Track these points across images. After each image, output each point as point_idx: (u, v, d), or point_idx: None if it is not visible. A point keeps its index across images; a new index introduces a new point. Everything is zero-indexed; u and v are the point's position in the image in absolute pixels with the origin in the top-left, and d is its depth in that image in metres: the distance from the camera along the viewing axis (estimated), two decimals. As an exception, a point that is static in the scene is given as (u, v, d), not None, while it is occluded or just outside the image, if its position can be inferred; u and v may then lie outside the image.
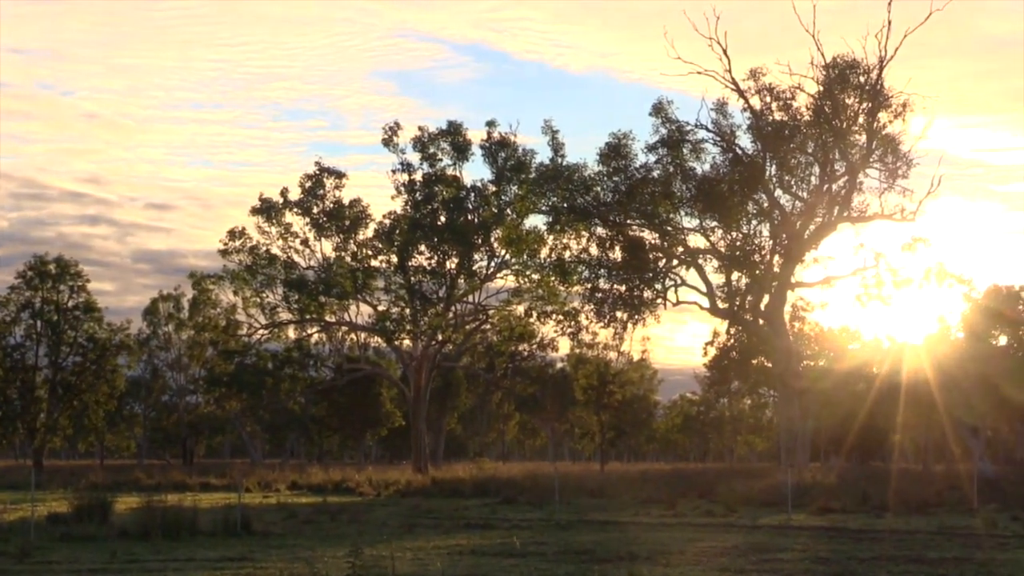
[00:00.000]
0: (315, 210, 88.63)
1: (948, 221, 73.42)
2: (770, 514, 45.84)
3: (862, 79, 66.04)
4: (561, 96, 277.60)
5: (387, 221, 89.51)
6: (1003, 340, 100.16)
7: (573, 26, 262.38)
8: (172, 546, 31.78)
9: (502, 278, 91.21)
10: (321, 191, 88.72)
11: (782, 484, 54.07)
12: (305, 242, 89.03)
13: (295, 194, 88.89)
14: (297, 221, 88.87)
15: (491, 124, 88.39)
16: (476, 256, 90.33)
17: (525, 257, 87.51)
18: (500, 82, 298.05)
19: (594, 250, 70.44)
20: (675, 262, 70.62)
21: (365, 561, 24.80)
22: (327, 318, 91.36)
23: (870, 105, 66.03)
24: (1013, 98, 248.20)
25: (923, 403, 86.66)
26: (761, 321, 70.23)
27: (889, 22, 64.22)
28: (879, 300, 77.69)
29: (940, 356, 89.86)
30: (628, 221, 70.28)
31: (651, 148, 68.98)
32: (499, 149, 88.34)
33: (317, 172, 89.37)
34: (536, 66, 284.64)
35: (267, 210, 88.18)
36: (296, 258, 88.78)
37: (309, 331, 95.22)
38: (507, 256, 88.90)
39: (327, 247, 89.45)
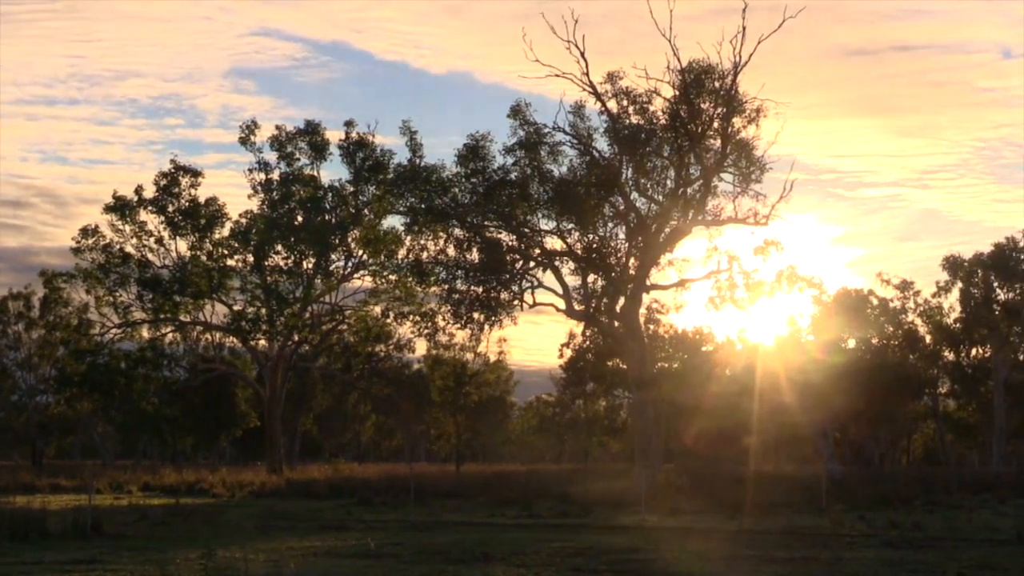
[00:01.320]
0: (170, 208, 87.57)
1: (800, 225, 75.13)
2: (624, 515, 46.23)
3: (717, 84, 66.72)
4: (422, 97, 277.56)
5: (243, 220, 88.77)
6: (852, 343, 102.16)
7: (435, 27, 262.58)
8: (20, 549, 31.20)
9: (359, 279, 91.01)
10: (176, 189, 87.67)
11: (636, 485, 54.56)
12: (160, 241, 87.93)
13: (150, 192, 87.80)
14: (152, 219, 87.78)
15: (349, 124, 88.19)
16: (333, 256, 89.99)
17: (382, 258, 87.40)
18: (361, 82, 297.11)
19: (451, 251, 70.39)
20: (532, 264, 70.82)
21: (218, 563, 24.61)
22: (182, 318, 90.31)
23: (725, 110, 66.75)
24: (864, 105, 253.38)
25: (774, 405, 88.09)
26: (616, 323, 70.70)
27: (743, 28, 65.06)
28: (732, 303, 78.74)
29: (791, 358, 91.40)
30: (486, 223, 70.35)
31: (509, 150, 69.11)
32: (357, 149, 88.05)
33: (172, 170, 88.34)
34: (397, 66, 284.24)
35: (121, 208, 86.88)
36: (151, 257, 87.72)
37: (163, 331, 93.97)
38: (364, 257, 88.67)
39: (182, 246, 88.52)
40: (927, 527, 39.59)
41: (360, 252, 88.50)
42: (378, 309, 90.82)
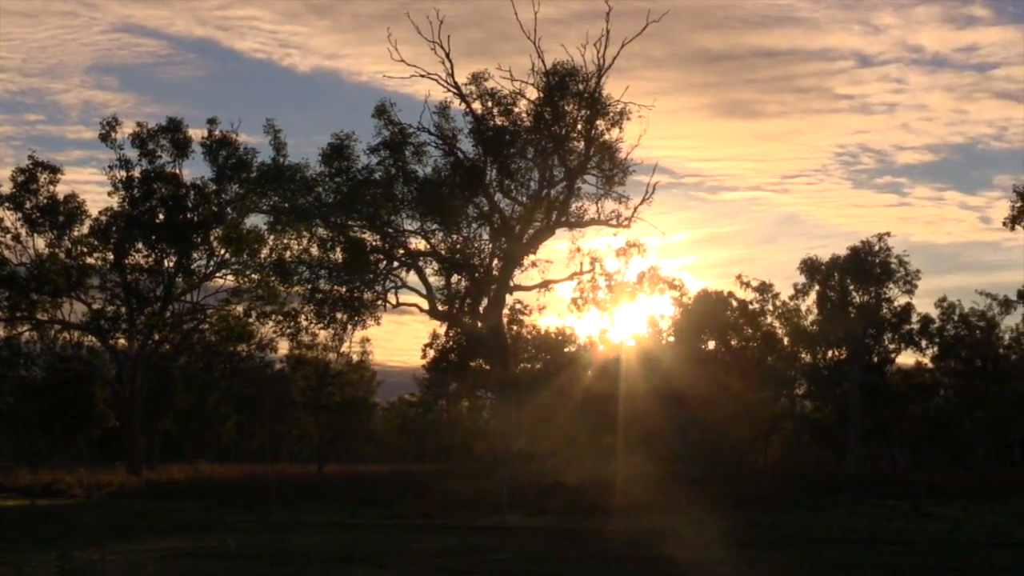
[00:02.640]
0: (28, 205, 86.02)
1: (662, 228, 75.74)
2: (486, 515, 46.37)
3: (581, 87, 67.09)
4: (289, 96, 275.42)
5: (104, 218, 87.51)
6: (711, 344, 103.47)
7: (301, 27, 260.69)
8: None
9: (221, 278, 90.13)
10: (34, 186, 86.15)
11: (498, 486, 54.74)
12: (17, 238, 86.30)
13: (7, 188, 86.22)
14: (9, 216, 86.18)
15: (212, 122, 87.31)
16: (195, 255, 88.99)
17: (245, 257, 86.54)
18: (226, 80, 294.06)
19: (315, 251, 70.02)
20: (396, 264, 70.72)
21: (75, 565, 24.27)
22: (39, 316, 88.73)
23: (589, 113, 67.14)
24: (727, 110, 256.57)
25: (636, 405, 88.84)
26: (480, 324, 70.85)
27: (607, 32, 65.50)
28: (595, 304, 79.28)
29: (652, 359, 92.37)
30: (350, 222, 70.07)
31: (373, 150, 68.93)
32: (220, 147, 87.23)
33: (31, 166, 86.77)
34: (264, 65, 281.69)
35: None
36: (7, 254, 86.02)
37: (20, 329, 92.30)
38: (227, 255, 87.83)
39: (40, 243, 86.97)
40: (784, 527, 40.23)
41: (222, 251, 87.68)
42: (240, 308, 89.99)
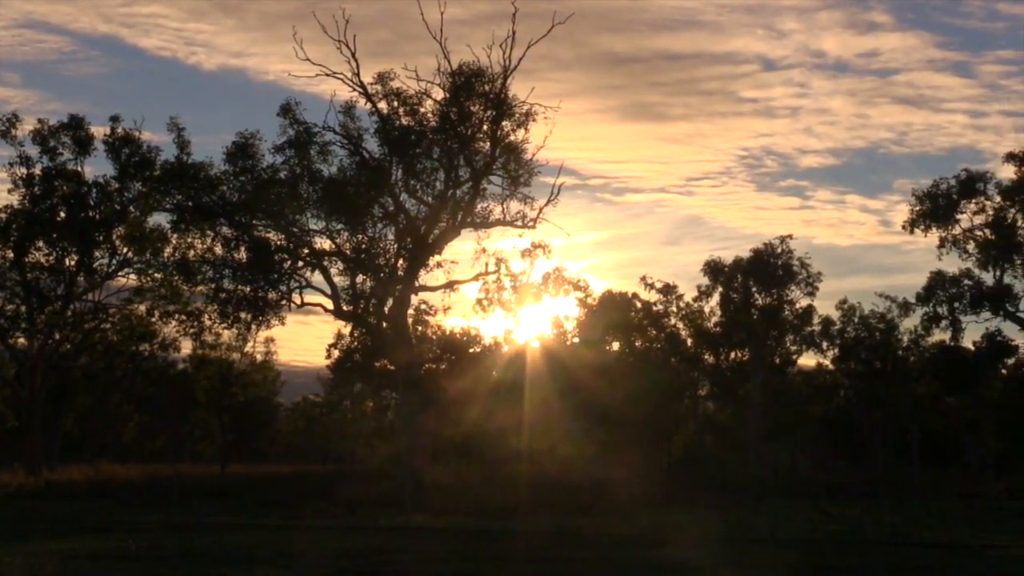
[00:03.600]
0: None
1: (567, 229, 75.92)
2: (390, 516, 46.34)
3: (487, 88, 67.15)
4: (194, 94, 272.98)
5: (3, 216, 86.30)
6: (616, 345, 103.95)
7: (208, 24, 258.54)
8: None
9: (124, 276, 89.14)
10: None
11: (402, 486, 54.73)
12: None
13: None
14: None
15: (115, 119, 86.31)
16: (97, 253, 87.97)
17: (148, 256, 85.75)
18: (131, 78, 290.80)
19: (219, 250, 69.55)
20: (301, 264, 70.39)
21: (-27, 568, 23.98)
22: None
23: (494, 113, 67.21)
24: (633, 112, 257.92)
25: (542, 407, 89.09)
26: (385, 324, 70.71)
27: (513, 33, 65.55)
28: (500, 305, 79.47)
29: (557, 360, 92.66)
30: (254, 222, 69.67)
31: (278, 149, 68.56)
32: (123, 145, 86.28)
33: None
34: (169, 63, 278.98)
35: None
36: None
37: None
38: (129, 254, 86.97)
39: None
40: (685, 527, 40.57)
41: (125, 250, 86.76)
42: (143, 308, 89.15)
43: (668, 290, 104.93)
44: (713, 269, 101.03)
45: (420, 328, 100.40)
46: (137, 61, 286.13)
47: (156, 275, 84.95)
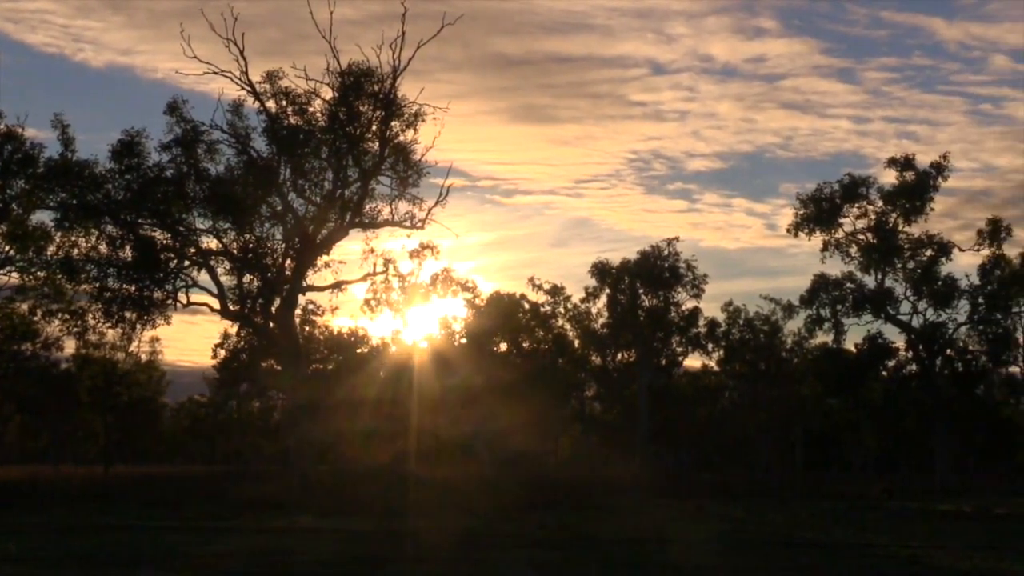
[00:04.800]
0: None
1: (456, 230, 75.79)
2: (276, 517, 46.10)
3: (376, 88, 67.02)
4: (81, 91, 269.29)
5: None
6: (504, 346, 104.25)
7: (95, 21, 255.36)
8: None
9: (6, 275, 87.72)
10: None
11: (289, 487, 54.51)
12: None
13: None
14: None
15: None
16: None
17: (31, 254, 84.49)
18: (16, 74, 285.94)
19: (104, 249, 68.74)
20: (187, 263, 69.80)
21: None
22: None
23: (383, 114, 67.08)
24: (523, 114, 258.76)
25: (430, 406, 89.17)
26: (271, 324, 70.32)
27: (403, 33, 65.54)
28: (388, 305, 79.39)
29: (445, 361, 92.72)
30: (140, 220, 68.95)
31: (165, 147, 67.91)
32: (5, 142, 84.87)
33: None
34: (55, 59, 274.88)
35: None
36: None
37: None
38: (11, 252, 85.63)
39: None
40: (572, 527, 40.81)
41: (7, 247, 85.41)
42: (25, 307, 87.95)
43: (556, 291, 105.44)
44: (600, 271, 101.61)
45: (307, 328, 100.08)
46: (23, 57, 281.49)
47: (39, 274, 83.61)
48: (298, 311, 79.82)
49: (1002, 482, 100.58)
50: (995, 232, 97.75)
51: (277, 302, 69.70)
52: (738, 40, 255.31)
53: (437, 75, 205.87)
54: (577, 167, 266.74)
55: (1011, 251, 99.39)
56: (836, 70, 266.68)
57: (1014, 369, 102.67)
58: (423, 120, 67.40)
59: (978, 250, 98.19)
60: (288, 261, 69.66)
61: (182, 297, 69.69)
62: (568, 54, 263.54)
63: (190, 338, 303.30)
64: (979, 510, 56.12)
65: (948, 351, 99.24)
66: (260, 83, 66.86)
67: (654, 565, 29.07)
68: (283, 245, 70.07)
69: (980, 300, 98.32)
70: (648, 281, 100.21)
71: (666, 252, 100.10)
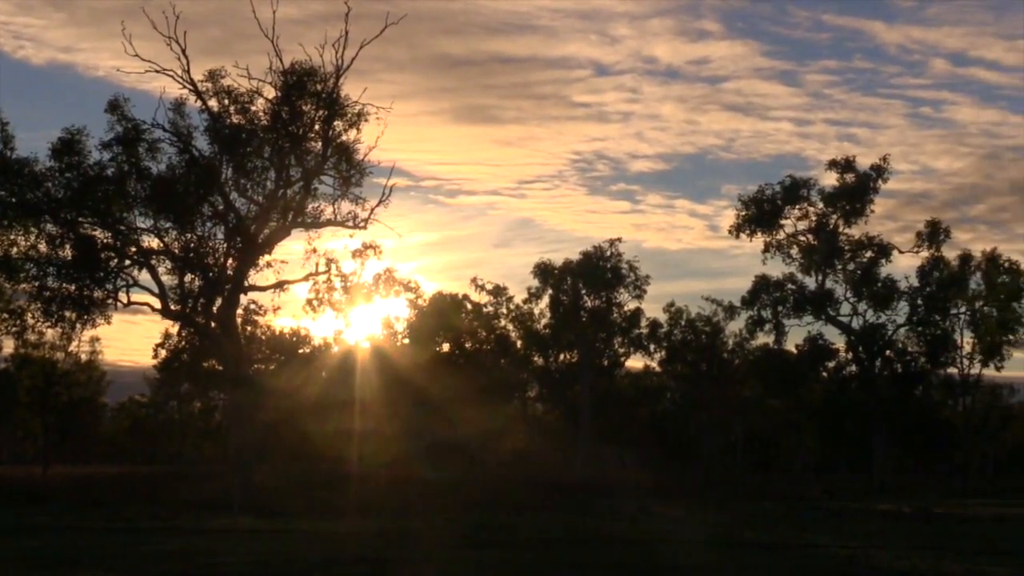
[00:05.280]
0: None
1: (399, 230, 75.43)
2: (217, 517, 45.92)
3: (319, 87, 66.80)
4: (21, 89, 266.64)
5: None
6: (446, 346, 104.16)
7: (36, 19, 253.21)
8: None
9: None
10: None
11: (230, 487, 54.30)
12: None
13: None
14: None
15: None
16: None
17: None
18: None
19: (43, 247, 68.14)
20: (128, 262, 69.30)
21: None
22: None
23: (326, 113, 66.84)
24: (467, 115, 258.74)
25: (371, 407, 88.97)
26: (213, 324, 69.92)
27: (346, 32, 65.33)
28: (330, 306, 79.07)
29: (387, 361, 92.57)
30: (80, 219, 68.38)
31: (106, 146, 67.36)
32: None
33: None
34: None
35: None
36: None
37: None
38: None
39: None
40: (515, 528, 40.86)
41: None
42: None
43: (498, 292, 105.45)
44: (543, 271, 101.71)
45: (249, 328, 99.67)
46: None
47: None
48: (240, 311, 79.34)
49: (940, 482, 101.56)
50: (934, 234, 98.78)
51: (219, 302, 69.35)
52: (681, 42, 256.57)
53: (381, 75, 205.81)
54: (520, 168, 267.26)
55: (950, 253, 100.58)
56: (778, 72, 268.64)
57: (952, 370, 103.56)
58: (366, 120, 67.26)
59: (917, 252, 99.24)
60: (230, 261, 69.31)
61: (123, 297, 69.18)
62: (512, 55, 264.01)
63: (131, 338, 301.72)
64: (917, 510, 56.62)
65: (887, 352, 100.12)
66: (202, 82, 66.50)
67: (596, 565, 29.14)
68: (225, 244, 69.70)
69: (919, 302, 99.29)
70: (590, 282, 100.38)
71: (608, 253, 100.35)
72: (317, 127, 67.60)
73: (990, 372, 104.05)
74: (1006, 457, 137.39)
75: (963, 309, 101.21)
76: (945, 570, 28.63)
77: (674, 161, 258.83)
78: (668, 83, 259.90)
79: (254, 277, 70.52)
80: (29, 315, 73.88)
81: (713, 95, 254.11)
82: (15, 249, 69.25)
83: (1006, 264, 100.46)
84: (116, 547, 32.64)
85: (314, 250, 72.03)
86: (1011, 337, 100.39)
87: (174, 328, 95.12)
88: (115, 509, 49.44)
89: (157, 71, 65.26)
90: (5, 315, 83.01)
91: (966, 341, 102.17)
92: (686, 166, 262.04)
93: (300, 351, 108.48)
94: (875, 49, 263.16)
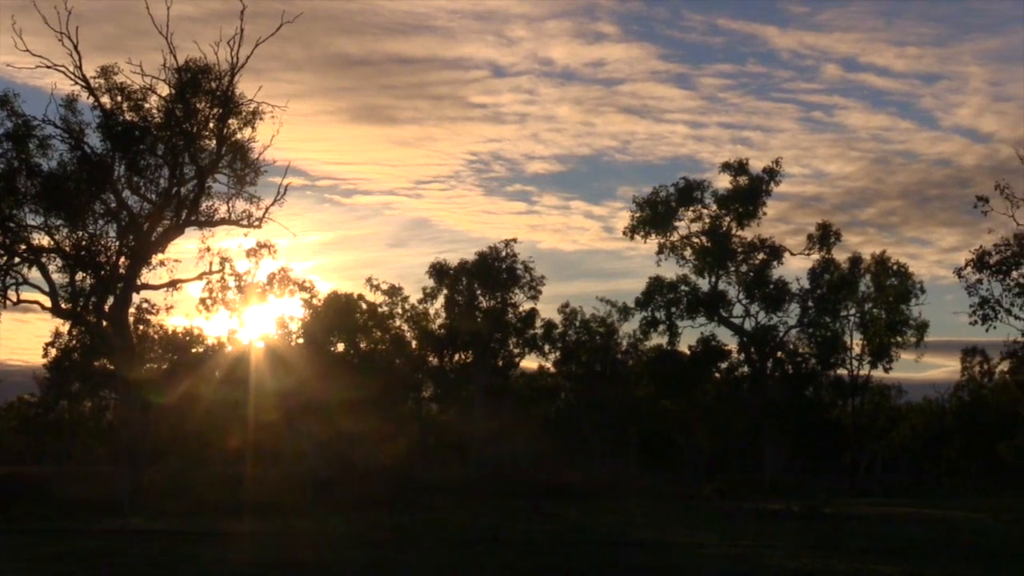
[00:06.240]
0: None
1: (294, 229, 75.23)
2: (107, 518, 45.49)
3: (214, 85, 66.43)
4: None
5: None
6: (341, 346, 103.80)
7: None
8: None
9: None
10: None
11: (121, 488, 53.78)
12: None
13: None
14: None
15: None
16: None
17: None
18: None
19: (-69, 245, 67.17)
20: (17, 260, 68.44)
21: None
22: None
23: (221, 111, 66.54)
24: (364, 114, 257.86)
25: (265, 407, 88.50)
26: (105, 323, 69.25)
27: (241, 30, 65.02)
28: (224, 305, 78.55)
29: (281, 361, 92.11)
30: (-33, 216, 67.50)
31: (-5, 141, 66.57)
32: None
33: None
34: None
35: None
36: None
37: None
38: None
39: None
40: (408, 528, 40.88)
41: None
42: None
43: (394, 292, 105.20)
44: (438, 271, 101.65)
45: (142, 327, 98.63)
46: None
47: None
48: (132, 310, 78.57)
49: (829, 482, 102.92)
50: (825, 237, 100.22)
51: (110, 300, 68.68)
52: (578, 44, 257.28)
53: (277, 74, 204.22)
54: (417, 168, 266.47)
55: (840, 256, 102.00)
56: (673, 76, 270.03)
57: (842, 371, 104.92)
58: (261, 118, 67.05)
59: (808, 254, 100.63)
60: (122, 259, 68.67)
61: (12, 295, 68.37)
62: (409, 55, 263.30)
63: (20, 336, 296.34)
64: (807, 509, 57.33)
65: (779, 354, 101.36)
66: (95, 78, 65.89)
67: (491, 566, 29.25)
68: (117, 243, 69.06)
69: (810, 304, 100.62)
70: (486, 282, 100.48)
71: (504, 253, 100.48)
72: (212, 125, 67.23)
73: (879, 373, 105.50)
74: (893, 457, 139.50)
75: (853, 311, 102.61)
76: (833, 568, 29.07)
77: (570, 163, 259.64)
78: (564, 85, 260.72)
79: (147, 276, 69.97)
80: (-87, 313, 72.67)
81: (609, 97, 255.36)
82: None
83: (895, 267, 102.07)
84: (4, 549, 32.25)
85: (208, 249, 71.65)
86: (899, 339, 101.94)
87: (65, 327, 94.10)
88: (2, 510, 48.75)
89: (48, 67, 64.60)
90: None
91: (855, 343, 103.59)
92: (582, 168, 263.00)
93: (193, 351, 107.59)
94: (768, 54, 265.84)
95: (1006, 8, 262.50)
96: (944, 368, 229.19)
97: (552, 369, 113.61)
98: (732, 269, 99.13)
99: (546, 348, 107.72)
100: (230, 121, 67.05)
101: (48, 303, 68.53)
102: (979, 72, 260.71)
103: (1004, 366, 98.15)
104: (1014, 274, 69.53)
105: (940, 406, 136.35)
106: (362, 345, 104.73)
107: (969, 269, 70.26)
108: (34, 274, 68.56)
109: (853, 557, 31.77)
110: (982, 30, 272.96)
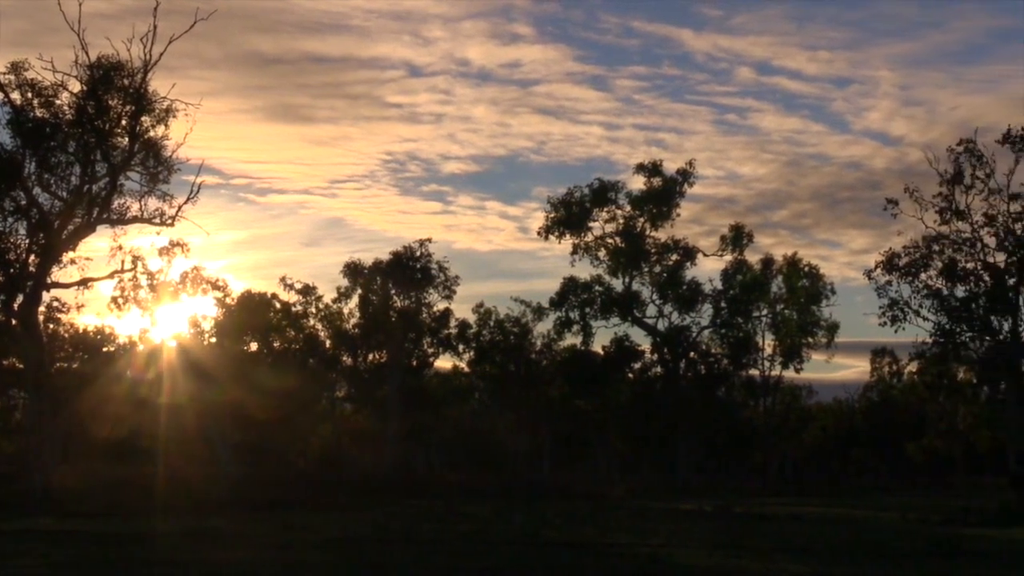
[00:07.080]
0: None
1: (208, 228, 74.81)
2: (16, 519, 45.01)
3: (127, 82, 65.89)
4: None
5: None
6: (254, 345, 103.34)
7: None
8: None
9: None
10: None
11: (29, 488, 53.25)
12: None
13: None
14: None
15: None
16: None
17: None
18: None
19: None
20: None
21: None
22: None
23: (133, 108, 66.00)
24: (279, 113, 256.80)
25: (177, 406, 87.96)
26: (14, 321, 68.46)
27: (155, 27, 64.51)
28: (135, 304, 77.98)
29: (193, 360, 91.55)
30: None
31: (-101, 137, 65.61)
32: None
33: None
34: None
35: None
36: None
37: None
38: None
39: None
40: (321, 528, 40.80)
41: None
42: None
43: (308, 291, 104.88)
44: (352, 271, 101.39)
45: (51, 326, 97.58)
46: None
47: None
48: (42, 308, 77.77)
49: (741, 481, 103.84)
50: (737, 238, 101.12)
51: (20, 299, 67.91)
52: (494, 45, 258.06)
53: (191, 71, 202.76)
54: (332, 167, 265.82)
55: (752, 257, 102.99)
56: (589, 77, 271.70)
57: (753, 372, 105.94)
58: (175, 116, 66.58)
59: (721, 256, 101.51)
60: (32, 257, 67.92)
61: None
62: (325, 54, 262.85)
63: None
64: (719, 509, 57.83)
65: (692, 354, 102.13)
66: (4, 74, 65.16)
67: (405, 565, 29.27)
68: (27, 240, 68.29)
69: (722, 304, 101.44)
70: (400, 282, 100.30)
71: (418, 253, 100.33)
72: (124, 122, 66.65)
73: (790, 374, 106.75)
74: (803, 457, 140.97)
75: (765, 312, 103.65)
76: (744, 567, 29.36)
77: (486, 163, 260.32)
78: (480, 85, 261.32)
79: (57, 274, 69.23)
80: None
81: (525, 98, 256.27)
82: None
83: (806, 268, 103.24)
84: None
85: (120, 247, 71.05)
86: (810, 340, 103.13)
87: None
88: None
89: (-43, 63, 63.77)
90: None
91: (767, 343, 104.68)
92: (497, 168, 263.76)
93: (104, 349, 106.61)
94: (683, 56, 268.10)
95: (915, 13, 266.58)
96: (854, 369, 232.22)
97: (466, 369, 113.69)
98: (646, 270, 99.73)
99: (460, 348, 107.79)
100: (143, 118, 66.52)
101: (-42, 303, 67.64)
102: (889, 76, 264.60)
103: (912, 367, 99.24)
104: (923, 276, 70.35)
105: (850, 406, 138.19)
106: (276, 344, 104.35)
107: (879, 271, 71.01)
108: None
109: (763, 556, 32.09)
110: (892, 35, 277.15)
